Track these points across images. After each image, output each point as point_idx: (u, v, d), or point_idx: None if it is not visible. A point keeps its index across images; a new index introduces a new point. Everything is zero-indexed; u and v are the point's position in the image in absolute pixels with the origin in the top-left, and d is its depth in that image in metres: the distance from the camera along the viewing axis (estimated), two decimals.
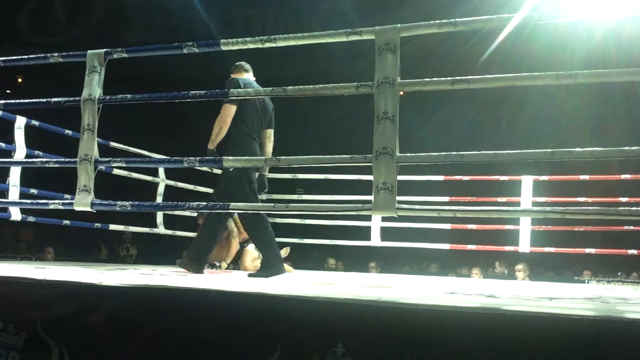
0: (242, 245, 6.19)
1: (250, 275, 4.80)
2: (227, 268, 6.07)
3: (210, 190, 7.75)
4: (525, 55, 10.35)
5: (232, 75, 5.09)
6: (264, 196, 7.81)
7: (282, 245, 6.61)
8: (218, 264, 6.07)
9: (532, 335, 2.07)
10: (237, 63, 5.18)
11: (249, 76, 5.12)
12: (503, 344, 2.08)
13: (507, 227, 7.07)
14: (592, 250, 6.97)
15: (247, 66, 5.19)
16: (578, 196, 6.80)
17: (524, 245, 6.77)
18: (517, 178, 6.98)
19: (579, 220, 6.33)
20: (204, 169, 6.98)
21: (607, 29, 9.58)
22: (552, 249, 7.07)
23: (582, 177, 6.97)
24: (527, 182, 6.85)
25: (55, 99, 3.97)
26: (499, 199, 7.08)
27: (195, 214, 6.90)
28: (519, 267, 8.45)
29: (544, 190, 7.11)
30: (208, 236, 4.97)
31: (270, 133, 5.07)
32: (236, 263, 6.20)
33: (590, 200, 6.74)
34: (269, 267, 4.72)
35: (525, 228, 6.75)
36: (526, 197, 6.81)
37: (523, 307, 2.36)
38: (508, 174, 7.18)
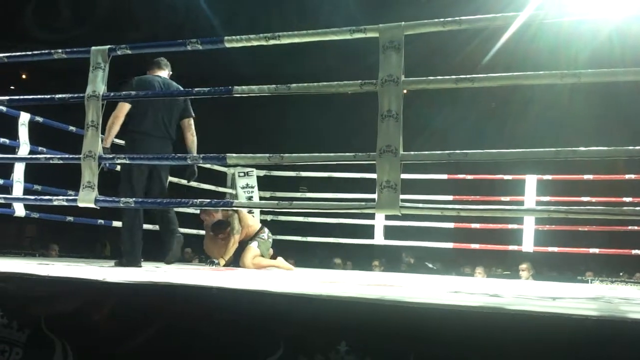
0: (246, 242, 6.18)
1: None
2: (227, 265, 6.05)
3: (213, 188, 7.76)
4: (529, 54, 10.36)
5: (147, 72, 5.14)
6: (267, 194, 7.84)
7: (284, 242, 6.63)
8: (216, 261, 6.06)
9: (535, 335, 2.07)
10: (154, 59, 5.19)
11: (163, 74, 5.13)
12: (506, 343, 2.08)
13: (510, 226, 7.06)
14: (596, 250, 6.96)
15: (164, 63, 5.18)
16: (582, 196, 6.79)
17: (528, 244, 6.76)
18: (521, 177, 6.97)
19: (582, 220, 6.33)
20: (207, 165, 7.01)
21: (611, 28, 9.57)
22: (555, 249, 7.06)
23: (586, 176, 6.96)
24: (531, 181, 6.84)
25: (59, 96, 3.97)
26: (503, 198, 7.07)
27: (198, 211, 6.91)
28: (523, 266, 8.44)
29: (547, 189, 7.11)
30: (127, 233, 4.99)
31: (189, 122, 5.06)
32: (236, 261, 6.19)
33: (594, 200, 6.73)
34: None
35: (529, 227, 6.74)
36: (530, 197, 6.80)
37: (526, 307, 2.36)
38: (512, 173, 7.17)
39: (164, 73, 5.13)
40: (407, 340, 2.18)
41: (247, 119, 14.07)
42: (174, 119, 4.99)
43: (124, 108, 4.82)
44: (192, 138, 4.98)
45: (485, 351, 2.09)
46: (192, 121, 5.04)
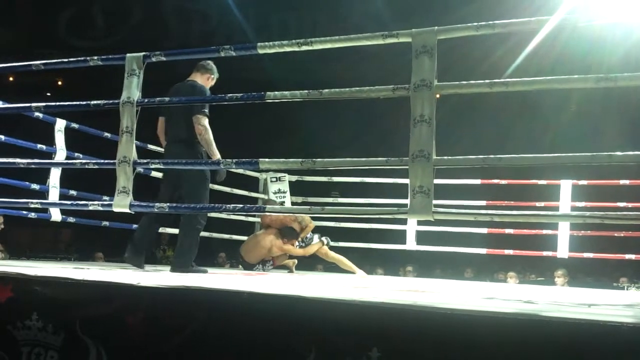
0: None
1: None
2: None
3: (246, 193, 7.80)
4: (562, 57, 10.25)
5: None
6: (299, 199, 7.86)
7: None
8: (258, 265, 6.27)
9: (571, 341, 2.04)
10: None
11: (194, 77, 5.13)
12: (541, 350, 2.06)
13: (545, 231, 6.98)
14: (632, 256, 6.84)
15: (199, 65, 5.16)
16: (618, 201, 6.69)
17: (563, 250, 6.67)
18: (555, 182, 6.89)
19: (618, 226, 6.23)
20: (240, 171, 7.05)
21: None
22: (590, 255, 6.95)
23: (622, 181, 6.86)
24: (566, 186, 6.76)
25: (95, 102, 4.02)
26: (537, 204, 6.99)
27: (231, 216, 7.00)
28: (559, 272, 8.35)
29: (583, 194, 7.02)
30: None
31: (194, 120, 4.82)
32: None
33: (630, 205, 6.62)
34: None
35: (563, 233, 6.66)
36: (565, 202, 6.71)
37: (561, 314, 2.33)
38: (546, 178, 7.09)
39: (196, 76, 5.11)
40: (440, 347, 2.16)
41: (279, 124, 14.12)
42: (182, 121, 4.89)
43: (158, 125, 5.15)
44: (199, 136, 4.84)
45: (520, 358, 2.07)
46: (196, 119, 4.81)
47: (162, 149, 5.23)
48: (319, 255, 6.54)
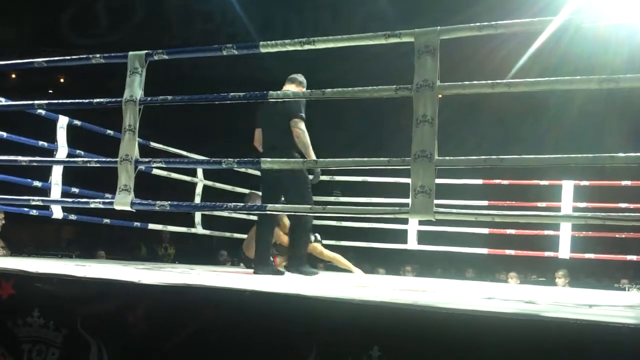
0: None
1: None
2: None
3: (247, 192, 7.80)
4: (565, 58, 10.24)
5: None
6: None
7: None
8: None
9: (571, 342, 2.04)
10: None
11: (288, 89, 5.21)
12: (541, 350, 2.06)
13: (546, 232, 6.98)
14: (634, 257, 6.84)
15: (290, 79, 5.29)
16: (620, 202, 6.68)
17: (564, 251, 6.67)
18: (557, 182, 6.89)
19: (620, 227, 6.22)
20: (242, 170, 7.05)
21: None
22: (592, 256, 6.94)
23: (624, 182, 6.85)
24: (567, 187, 6.75)
25: (97, 100, 4.02)
26: (539, 204, 6.99)
27: (233, 215, 6.99)
28: (560, 273, 8.34)
29: (584, 195, 7.01)
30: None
31: (291, 124, 4.95)
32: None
33: (632, 206, 6.62)
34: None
35: (565, 233, 6.65)
36: (567, 202, 6.71)
37: (562, 314, 2.33)
38: (548, 179, 7.08)
39: (290, 88, 5.23)
40: (441, 347, 2.17)
41: None
42: (277, 128, 5.02)
43: (255, 136, 5.28)
44: (296, 139, 4.94)
45: (521, 358, 2.07)
46: (294, 122, 4.94)
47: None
48: (313, 254, 6.47)
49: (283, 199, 5.15)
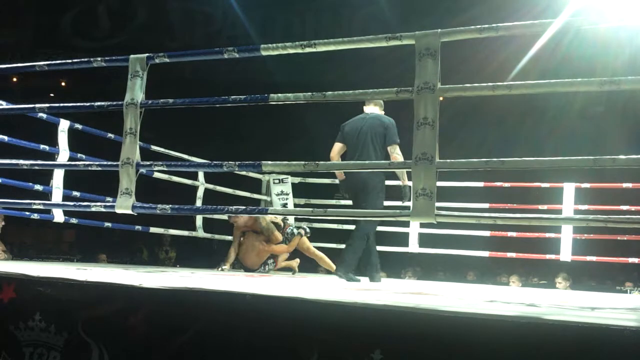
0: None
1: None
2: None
3: (248, 195, 7.81)
4: (565, 61, 10.24)
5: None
6: (302, 201, 7.86)
7: (319, 249, 6.64)
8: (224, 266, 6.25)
9: (573, 345, 2.04)
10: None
11: (370, 109, 5.33)
12: (544, 353, 2.05)
13: (548, 235, 6.97)
14: (635, 260, 6.83)
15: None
16: (621, 204, 6.68)
17: (566, 253, 6.66)
18: (558, 185, 6.89)
19: (621, 229, 6.21)
20: (243, 173, 7.05)
21: None
22: (593, 258, 6.94)
23: (625, 184, 6.85)
24: (569, 189, 6.75)
25: (98, 103, 4.02)
26: (540, 207, 6.98)
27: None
28: (559, 278, 8.32)
29: (586, 197, 7.00)
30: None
31: (389, 150, 5.02)
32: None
33: (633, 208, 6.61)
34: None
35: (566, 236, 6.65)
36: (568, 205, 6.71)
37: (564, 317, 2.33)
38: (549, 181, 7.08)
39: (372, 109, 5.31)
40: (443, 349, 2.16)
41: (283, 126, 14.12)
42: (371, 150, 5.03)
43: (335, 149, 5.26)
44: (397, 159, 4.95)
45: None
46: (393, 148, 5.02)
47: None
48: (299, 249, 6.44)
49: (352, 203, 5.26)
